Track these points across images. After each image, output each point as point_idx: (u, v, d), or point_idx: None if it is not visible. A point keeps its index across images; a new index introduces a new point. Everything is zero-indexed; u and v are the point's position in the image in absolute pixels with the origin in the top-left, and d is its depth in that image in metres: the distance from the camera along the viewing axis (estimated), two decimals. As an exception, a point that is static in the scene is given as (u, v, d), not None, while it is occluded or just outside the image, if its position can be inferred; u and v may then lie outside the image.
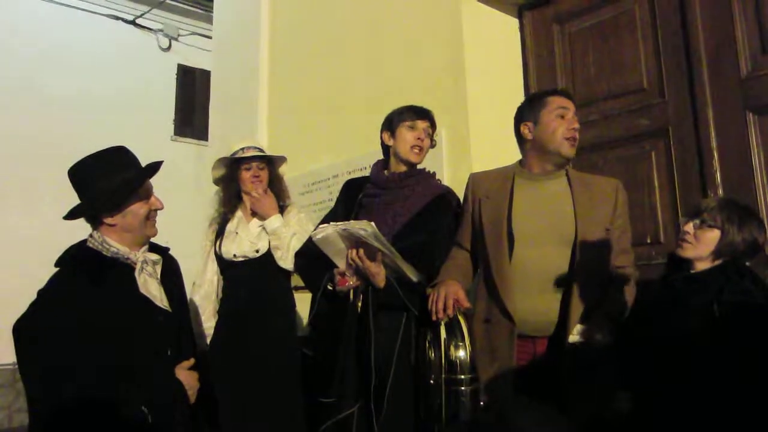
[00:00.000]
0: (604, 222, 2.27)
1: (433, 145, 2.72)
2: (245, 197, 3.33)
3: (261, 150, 3.37)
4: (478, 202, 2.42)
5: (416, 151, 2.61)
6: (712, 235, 2.02)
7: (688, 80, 2.95)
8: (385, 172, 2.70)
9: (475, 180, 2.52)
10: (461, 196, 2.60)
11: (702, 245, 2.04)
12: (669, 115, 3.00)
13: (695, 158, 2.88)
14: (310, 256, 2.61)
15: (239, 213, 3.34)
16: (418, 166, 2.68)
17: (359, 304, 2.48)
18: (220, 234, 3.32)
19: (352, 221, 2.40)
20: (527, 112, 2.42)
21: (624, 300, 2.21)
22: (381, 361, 2.37)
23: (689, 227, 2.05)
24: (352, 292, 2.48)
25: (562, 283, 2.22)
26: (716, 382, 1.84)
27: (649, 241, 2.99)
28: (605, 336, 2.07)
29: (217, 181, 3.42)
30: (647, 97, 3.10)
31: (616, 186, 2.36)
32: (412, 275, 2.42)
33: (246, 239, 3.24)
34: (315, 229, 2.48)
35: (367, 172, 2.86)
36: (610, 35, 3.28)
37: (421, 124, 2.64)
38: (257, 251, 3.20)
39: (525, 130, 2.40)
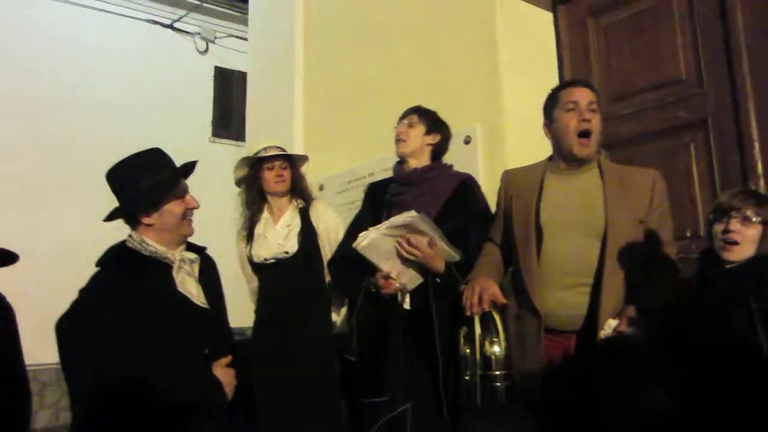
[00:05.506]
0: (638, 214, 2.21)
1: (467, 141, 2.75)
2: (270, 198, 3.37)
3: (283, 150, 3.39)
4: (510, 198, 2.43)
5: (399, 145, 2.74)
6: (755, 232, 1.97)
7: (727, 70, 2.88)
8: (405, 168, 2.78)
9: (507, 177, 2.53)
10: (497, 193, 2.60)
11: (748, 244, 1.98)
12: (708, 106, 2.94)
13: (736, 149, 2.82)
14: (344, 262, 2.72)
15: (265, 214, 3.36)
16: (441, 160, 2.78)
17: (404, 302, 2.54)
18: (249, 238, 3.34)
19: (392, 217, 2.46)
20: (546, 111, 2.42)
21: (661, 295, 2.13)
22: (444, 353, 2.39)
23: (735, 225, 1.97)
24: (399, 293, 2.53)
25: (592, 277, 2.18)
26: (756, 379, 1.81)
27: (688, 234, 2.92)
28: (640, 332, 2.02)
29: (239, 182, 3.44)
30: (685, 89, 3.04)
31: (653, 177, 2.29)
32: (456, 254, 2.50)
33: (274, 241, 3.26)
34: (356, 240, 2.52)
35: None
36: (646, 27, 3.22)
37: (404, 121, 2.77)
38: (286, 252, 3.23)
39: (546, 129, 2.43)
